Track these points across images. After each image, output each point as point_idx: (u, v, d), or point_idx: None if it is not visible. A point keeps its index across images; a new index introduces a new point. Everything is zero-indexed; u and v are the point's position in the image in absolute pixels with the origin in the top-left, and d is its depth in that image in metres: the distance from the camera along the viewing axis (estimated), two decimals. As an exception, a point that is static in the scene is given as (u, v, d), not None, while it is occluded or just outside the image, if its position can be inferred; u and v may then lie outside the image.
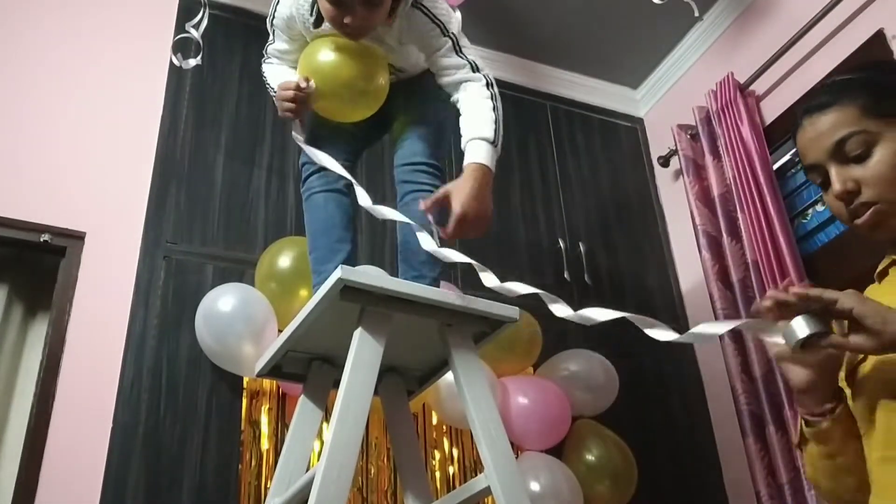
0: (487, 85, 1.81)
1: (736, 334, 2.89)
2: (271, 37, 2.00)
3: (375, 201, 1.69)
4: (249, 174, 2.84)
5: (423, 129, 1.92)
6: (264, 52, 2.05)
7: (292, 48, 1.97)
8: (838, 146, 1.11)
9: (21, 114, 2.66)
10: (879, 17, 2.75)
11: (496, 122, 1.75)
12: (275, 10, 1.93)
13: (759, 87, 3.22)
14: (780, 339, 1.03)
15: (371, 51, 1.87)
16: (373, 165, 2.85)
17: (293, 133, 1.98)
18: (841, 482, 1.12)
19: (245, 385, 2.46)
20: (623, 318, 1.25)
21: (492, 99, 1.79)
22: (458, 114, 1.83)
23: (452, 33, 1.83)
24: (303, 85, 1.81)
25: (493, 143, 1.72)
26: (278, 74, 2.00)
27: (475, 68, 1.83)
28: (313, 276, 1.87)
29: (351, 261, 1.84)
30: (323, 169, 1.87)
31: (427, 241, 1.60)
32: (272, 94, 1.99)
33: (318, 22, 1.85)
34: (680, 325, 3.33)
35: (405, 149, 1.92)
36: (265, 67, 2.06)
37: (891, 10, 2.73)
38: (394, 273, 2.01)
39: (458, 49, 1.83)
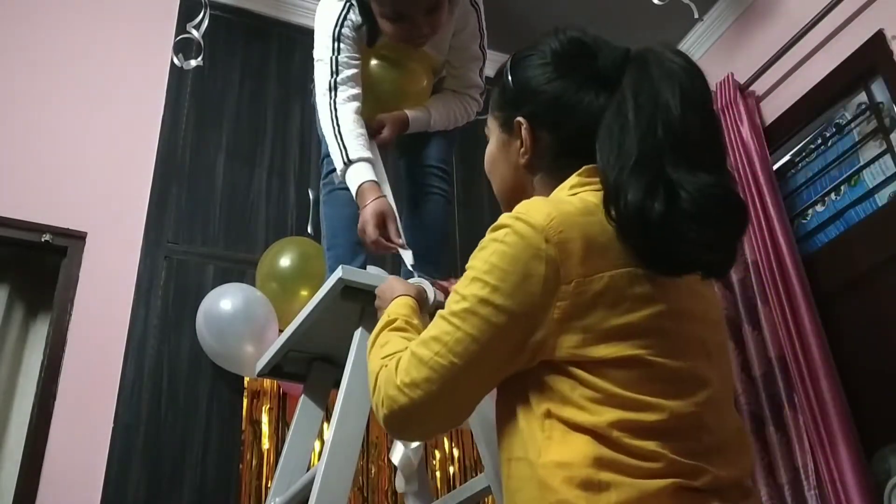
0: (477, 113, 1.93)
1: (735, 334, 2.89)
2: (334, 61, 1.63)
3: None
4: (250, 174, 2.85)
5: (441, 135, 1.94)
6: (331, 84, 1.64)
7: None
8: None
9: (22, 114, 2.66)
10: (879, 18, 2.75)
11: (452, 124, 1.89)
12: (343, 19, 1.65)
13: (759, 87, 3.22)
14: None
15: (414, 54, 1.83)
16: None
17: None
18: None
19: (246, 385, 2.47)
20: None
21: (466, 120, 1.92)
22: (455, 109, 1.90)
23: (486, 49, 1.88)
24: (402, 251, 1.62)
25: (430, 126, 1.85)
26: (354, 126, 1.64)
27: (483, 93, 1.91)
28: (328, 273, 1.85)
29: (366, 264, 1.83)
30: None
31: (408, 257, 1.64)
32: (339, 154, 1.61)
33: (372, 41, 1.74)
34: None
35: (426, 150, 1.93)
36: (339, 106, 1.64)
37: (891, 10, 2.73)
38: (395, 273, 2.01)
39: (482, 67, 1.89)
